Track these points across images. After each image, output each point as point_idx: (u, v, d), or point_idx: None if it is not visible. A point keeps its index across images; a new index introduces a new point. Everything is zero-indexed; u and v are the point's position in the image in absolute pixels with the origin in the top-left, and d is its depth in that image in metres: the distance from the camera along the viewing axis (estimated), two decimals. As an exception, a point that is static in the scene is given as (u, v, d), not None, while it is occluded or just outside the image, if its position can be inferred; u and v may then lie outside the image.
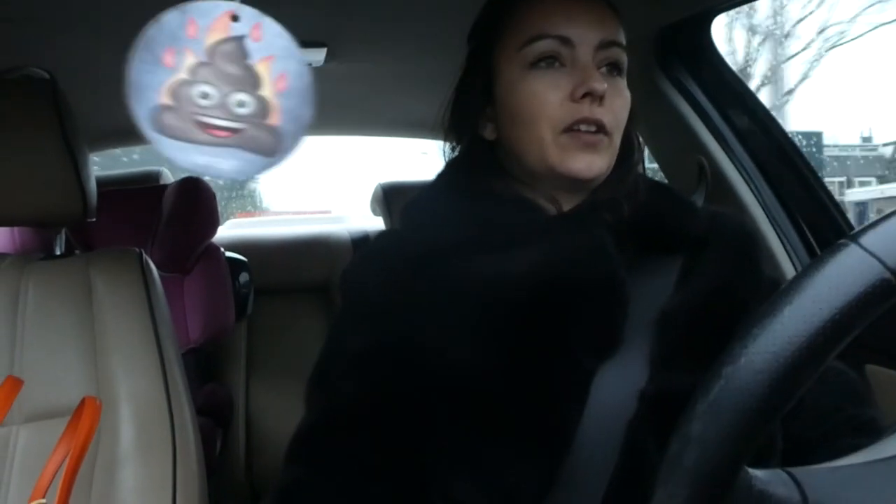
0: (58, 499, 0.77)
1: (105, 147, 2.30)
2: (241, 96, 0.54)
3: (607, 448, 0.67)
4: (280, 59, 0.55)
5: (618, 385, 0.69)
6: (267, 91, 0.54)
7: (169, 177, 2.34)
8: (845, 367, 0.80)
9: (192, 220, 1.86)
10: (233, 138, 0.54)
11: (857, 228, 0.39)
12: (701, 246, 0.77)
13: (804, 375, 0.38)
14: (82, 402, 0.83)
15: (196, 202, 1.87)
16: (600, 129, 0.72)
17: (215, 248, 1.95)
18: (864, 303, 0.37)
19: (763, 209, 1.33)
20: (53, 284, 1.06)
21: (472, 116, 0.80)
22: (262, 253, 2.20)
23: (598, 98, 0.71)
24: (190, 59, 0.54)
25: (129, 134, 2.20)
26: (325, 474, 0.71)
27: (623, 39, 0.76)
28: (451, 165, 0.83)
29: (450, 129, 0.83)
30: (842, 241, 0.39)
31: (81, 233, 1.85)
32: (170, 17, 0.55)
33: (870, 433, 0.70)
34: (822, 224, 1.29)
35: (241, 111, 0.54)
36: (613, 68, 0.75)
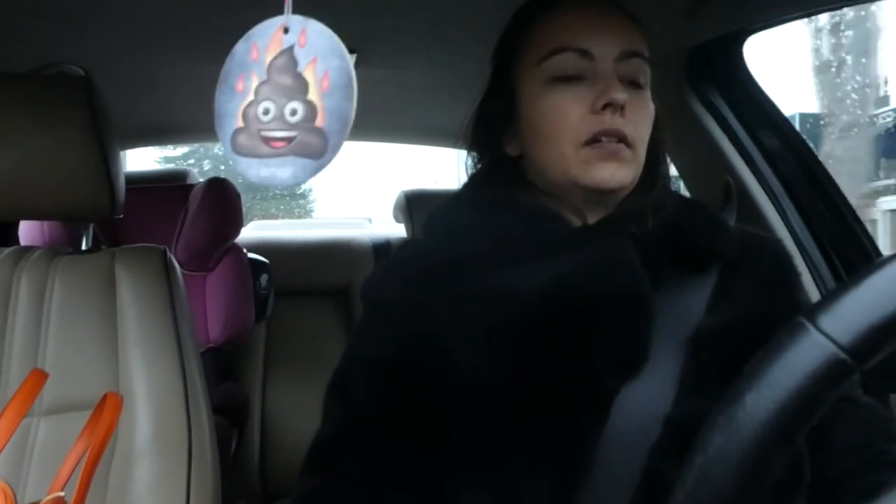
0: (76, 492, 0.77)
1: (136, 145, 2.34)
2: (293, 104, 0.56)
3: (626, 473, 0.65)
4: (323, 59, 0.56)
5: (641, 407, 0.67)
6: (313, 94, 0.56)
7: (196, 177, 2.37)
8: (876, 402, 0.78)
9: (216, 220, 1.88)
10: (288, 147, 0.56)
11: (813, 305, 0.39)
12: (735, 267, 0.75)
13: (773, 460, 0.38)
14: (104, 397, 0.84)
15: (221, 202, 1.89)
16: (622, 140, 0.71)
17: (238, 248, 1.97)
18: (822, 386, 0.37)
19: (789, 231, 1.31)
20: (79, 279, 1.07)
21: (496, 134, 0.79)
22: (283, 255, 2.21)
23: (619, 109, 0.70)
24: (255, 82, 0.58)
25: (159, 132, 2.23)
26: (344, 484, 0.70)
27: (645, 51, 0.75)
28: (475, 178, 0.82)
29: (473, 145, 0.82)
30: (798, 319, 0.39)
31: (109, 228, 1.88)
32: (239, 48, 0.58)
33: None
34: (849, 248, 1.27)
35: (294, 119, 0.56)
36: (635, 80, 0.74)
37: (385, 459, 0.71)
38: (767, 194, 1.34)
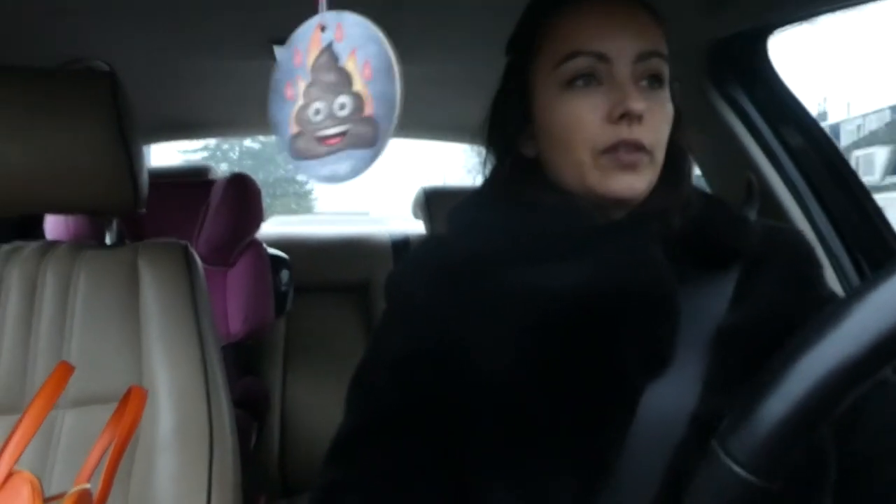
0: (102, 484, 0.79)
1: (158, 140, 2.36)
2: (341, 99, 0.58)
3: (651, 470, 0.65)
4: (361, 48, 0.57)
5: (667, 405, 0.66)
6: (358, 84, 0.57)
7: (217, 172, 2.39)
8: None
9: (237, 215, 1.89)
10: (342, 142, 0.58)
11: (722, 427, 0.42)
12: (757, 263, 0.75)
13: None
14: (129, 391, 0.85)
15: (243, 198, 1.90)
16: (640, 148, 0.70)
17: (258, 243, 1.98)
18: None
19: (813, 230, 1.30)
20: (103, 273, 1.09)
21: (512, 136, 0.79)
22: (303, 251, 2.22)
23: (636, 118, 0.69)
24: (301, 86, 0.59)
25: (182, 127, 2.25)
26: (366, 477, 0.71)
27: (664, 49, 0.73)
28: (495, 176, 0.82)
29: (490, 145, 0.82)
30: (712, 444, 0.41)
31: (132, 223, 1.90)
32: (281, 55, 0.60)
33: None
34: (874, 246, 1.26)
35: (343, 113, 0.58)
36: (654, 80, 0.73)
37: (407, 454, 0.70)
38: (790, 190, 1.32)
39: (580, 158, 0.72)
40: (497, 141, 0.81)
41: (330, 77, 0.57)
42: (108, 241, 1.20)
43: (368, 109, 0.56)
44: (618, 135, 0.70)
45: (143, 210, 1.13)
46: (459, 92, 1.79)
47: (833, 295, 0.79)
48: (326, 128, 0.57)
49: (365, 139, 0.56)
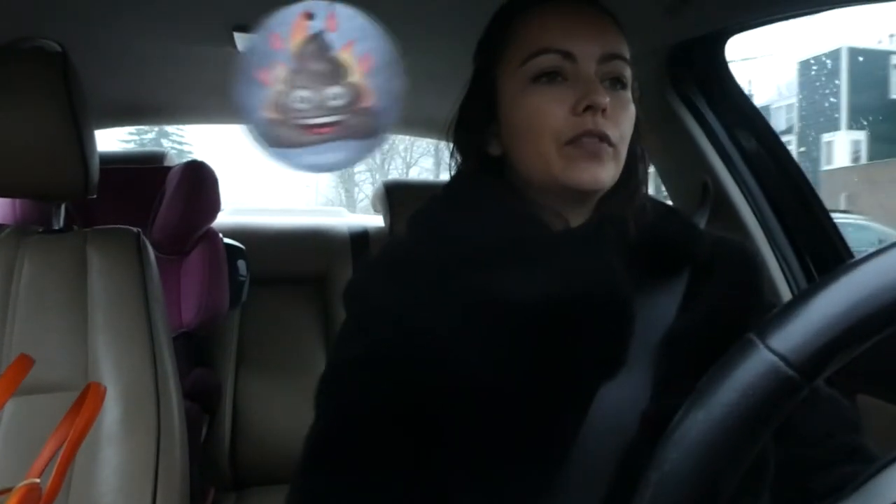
0: (52, 480, 0.76)
1: (112, 125, 2.30)
2: (334, 89, 0.56)
3: (604, 466, 0.67)
4: (360, 41, 0.57)
5: (620, 404, 0.68)
6: (355, 76, 0.56)
7: (173, 158, 2.34)
8: (837, 393, 0.80)
9: (193, 204, 1.85)
10: (335, 132, 0.57)
11: (763, 322, 0.39)
12: (705, 269, 0.77)
13: (726, 476, 0.39)
14: (87, 387, 0.82)
15: (199, 186, 1.87)
16: (604, 139, 0.72)
17: (214, 233, 1.95)
18: (770, 402, 0.38)
19: (764, 232, 1.33)
20: (50, 259, 1.06)
21: (477, 134, 0.80)
22: (259, 242, 2.19)
23: (600, 111, 0.71)
24: (282, 71, 0.57)
25: (135, 112, 2.20)
26: (345, 480, 0.70)
27: (626, 52, 0.75)
28: (458, 178, 0.83)
29: (455, 145, 0.83)
30: (748, 336, 0.39)
31: (82, 209, 1.85)
32: (256, 39, 0.58)
33: (863, 460, 0.71)
34: (823, 250, 1.29)
35: (336, 103, 0.56)
36: (617, 82, 0.75)
37: (382, 456, 0.70)
38: (744, 194, 1.35)
39: (545, 149, 0.73)
40: (462, 139, 0.82)
41: (319, 66, 0.56)
42: (55, 226, 1.16)
43: (366, 101, 0.55)
44: (582, 126, 0.71)
45: (94, 195, 1.10)
46: (432, 85, 1.78)
47: (774, 303, 0.82)
48: (314, 117, 0.56)
49: (361, 130, 0.56)
